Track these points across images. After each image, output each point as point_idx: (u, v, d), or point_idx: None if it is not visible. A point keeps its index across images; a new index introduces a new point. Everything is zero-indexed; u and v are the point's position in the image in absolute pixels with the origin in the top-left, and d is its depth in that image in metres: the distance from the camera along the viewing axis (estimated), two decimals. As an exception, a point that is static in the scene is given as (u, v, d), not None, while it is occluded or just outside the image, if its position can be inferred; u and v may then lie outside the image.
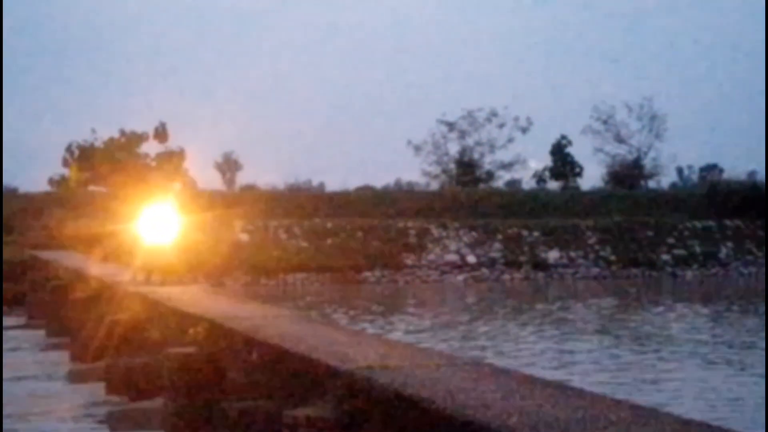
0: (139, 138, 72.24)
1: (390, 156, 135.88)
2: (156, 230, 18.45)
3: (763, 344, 19.90)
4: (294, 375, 8.92)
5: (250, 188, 69.44)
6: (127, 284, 18.33)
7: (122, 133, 71.66)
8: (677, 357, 19.57)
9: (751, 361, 18.62)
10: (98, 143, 69.98)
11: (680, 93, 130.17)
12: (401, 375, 7.48)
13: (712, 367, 18.22)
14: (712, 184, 61.54)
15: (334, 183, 74.99)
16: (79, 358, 18.02)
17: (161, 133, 74.19)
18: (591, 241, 49.98)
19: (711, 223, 51.88)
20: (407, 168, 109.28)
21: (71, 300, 20.73)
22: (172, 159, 75.42)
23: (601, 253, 49.24)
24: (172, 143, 76.92)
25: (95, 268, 23.14)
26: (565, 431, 5.34)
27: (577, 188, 71.37)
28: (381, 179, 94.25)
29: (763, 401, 13.46)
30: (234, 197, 55.63)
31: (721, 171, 76.81)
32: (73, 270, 24.68)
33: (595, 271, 47.95)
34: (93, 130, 70.04)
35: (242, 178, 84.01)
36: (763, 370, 16.32)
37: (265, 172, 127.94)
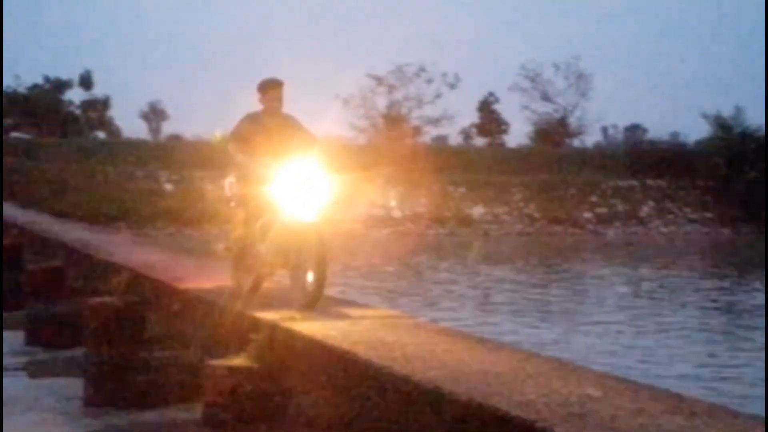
0: (63, 85, 71.16)
1: (318, 109, 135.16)
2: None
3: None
4: (215, 326, 8.91)
5: (175, 138, 68.78)
6: (53, 231, 18.12)
7: (46, 79, 70.53)
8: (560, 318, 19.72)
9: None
10: (21, 89, 68.81)
11: (607, 53, 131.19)
12: (318, 324, 7.52)
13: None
14: (635, 144, 62.22)
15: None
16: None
17: (86, 81, 73.20)
18: (516, 197, 50.37)
19: (633, 182, 52.51)
20: (335, 121, 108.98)
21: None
22: (97, 107, 74.42)
23: (526, 210, 49.66)
24: (98, 91, 75.95)
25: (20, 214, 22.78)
26: (488, 384, 5.40)
27: (503, 145, 71.74)
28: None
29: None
30: (159, 147, 55.04)
31: (645, 131, 77.61)
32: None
33: (519, 227, 48.34)
34: (17, 77, 68.83)
35: (168, 128, 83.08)
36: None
37: (193, 123, 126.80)
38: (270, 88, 9.13)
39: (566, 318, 17.44)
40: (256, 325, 7.93)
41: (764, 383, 11.46)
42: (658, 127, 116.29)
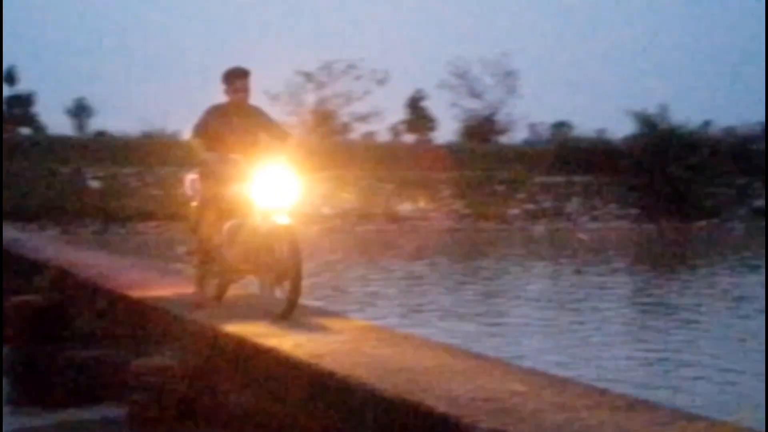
0: (-15, 81, 70.07)
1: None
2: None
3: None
4: (142, 324, 8.85)
5: (101, 135, 68.04)
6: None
7: (-31, 74, 69.40)
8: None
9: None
10: (-58, 84, 67.71)
11: (535, 51, 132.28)
12: (244, 321, 7.50)
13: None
14: (562, 141, 62.82)
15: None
16: None
17: (11, 77, 72.25)
18: (444, 194, 50.59)
19: (560, 178, 52.99)
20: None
21: None
22: (22, 103, 73.44)
23: (454, 207, 49.92)
24: (22, 87, 74.99)
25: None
26: (414, 381, 5.43)
27: (432, 142, 72.00)
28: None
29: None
30: (85, 143, 54.40)
31: (572, 128, 78.41)
32: None
33: (447, 223, 48.57)
34: (-63, 70, 67.70)
35: (94, 125, 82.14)
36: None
37: (119, 119, 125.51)
38: (235, 77, 8.52)
39: (473, 316, 17.49)
40: (182, 323, 7.89)
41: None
42: (585, 124, 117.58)
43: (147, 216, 43.44)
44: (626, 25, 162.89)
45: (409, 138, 76.10)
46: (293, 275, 7.52)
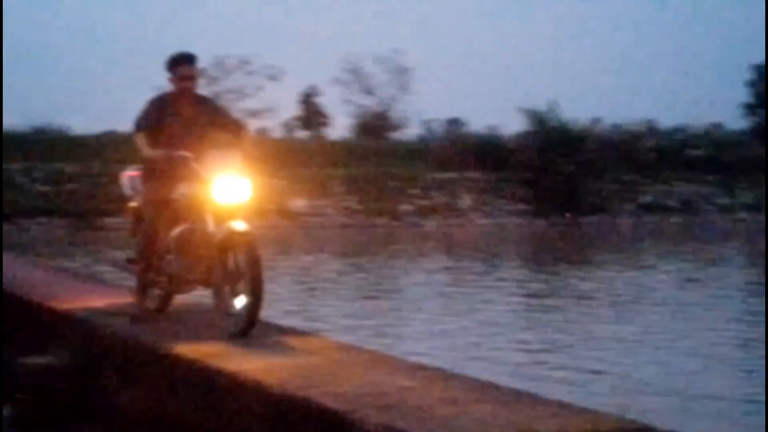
0: None
1: (138, 100, 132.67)
2: None
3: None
4: (29, 323, 8.70)
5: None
6: None
7: None
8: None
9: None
10: None
11: (428, 48, 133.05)
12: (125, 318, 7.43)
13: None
14: (454, 138, 63.31)
15: (79, 126, 72.65)
16: None
17: None
18: (337, 190, 50.61)
19: (453, 175, 53.38)
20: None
21: None
22: None
23: (347, 203, 49.97)
24: None
25: None
26: (303, 377, 5.43)
27: (325, 138, 71.93)
28: (128, 124, 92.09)
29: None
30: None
31: (464, 124, 79.04)
32: None
33: (340, 220, 48.61)
34: None
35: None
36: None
37: (6, 114, 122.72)
38: (179, 64, 7.71)
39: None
40: (71, 321, 7.77)
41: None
42: (477, 121, 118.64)
43: (36, 212, 42.62)
44: (517, 22, 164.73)
45: (302, 134, 75.97)
46: (253, 288, 6.65)
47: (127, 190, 8.01)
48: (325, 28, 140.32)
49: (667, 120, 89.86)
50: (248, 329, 6.68)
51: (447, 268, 26.51)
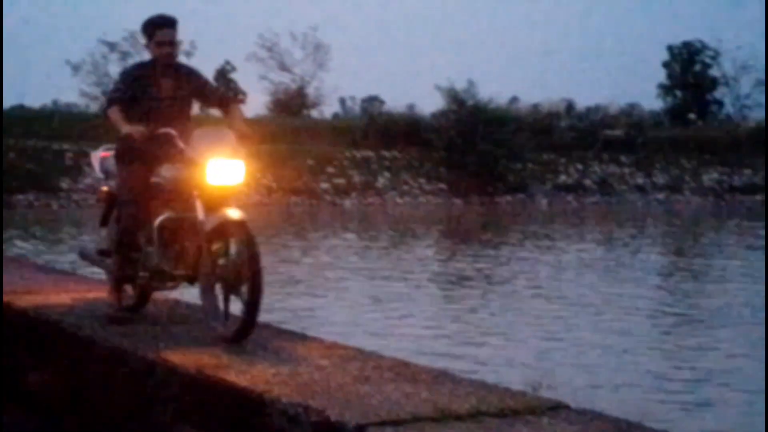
0: None
1: (46, 74, 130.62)
2: None
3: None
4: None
5: None
6: None
7: None
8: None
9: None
10: None
11: (345, 25, 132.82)
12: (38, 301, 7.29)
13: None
14: (372, 116, 63.27)
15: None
16: None
17: None
18: (253, 168, 50.23)
19: (370, 153, 53.40)
20: (66, 89, 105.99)
21: None
22: None
23: (263, 181, 49.67)
24: None
25: None
26: (218, 357, 5.37)
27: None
28: (38, 99, 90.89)
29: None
30: None
31: (382, 103, 79.09)
32: None
33: (256, 198, 48.36)
34: None
35: None
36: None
37: None
38: (157, 27, 6.73)
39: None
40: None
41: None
42: (395, 99, 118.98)
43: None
44: (437, 0, 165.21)
45: (216, 111, 75.29)
46: (251, 285, 5.77)
47: (98, 172, 7.24)
48: (241, 3, 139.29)
49: (584, 100, 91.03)
50: (244, 334, 5.82)
51: (351, 247, 26.60)
